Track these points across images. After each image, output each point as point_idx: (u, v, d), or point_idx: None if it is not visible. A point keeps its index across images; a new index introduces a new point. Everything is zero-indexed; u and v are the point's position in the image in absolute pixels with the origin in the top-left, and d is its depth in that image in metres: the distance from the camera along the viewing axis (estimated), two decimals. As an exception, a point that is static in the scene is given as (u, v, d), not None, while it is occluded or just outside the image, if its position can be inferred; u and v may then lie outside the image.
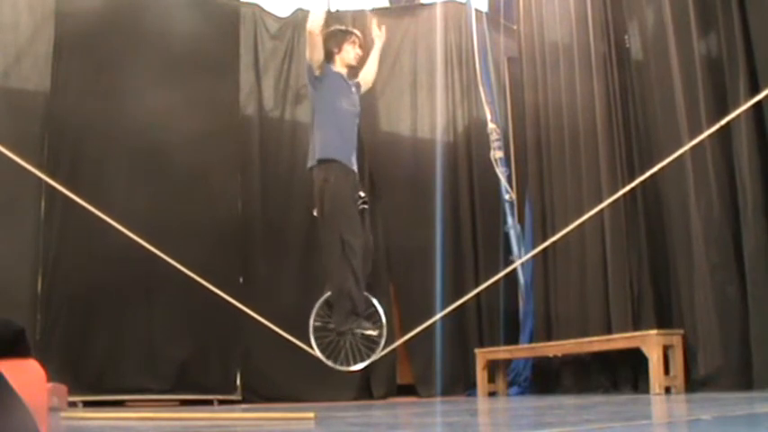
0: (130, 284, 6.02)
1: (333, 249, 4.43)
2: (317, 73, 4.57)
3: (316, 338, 4.54)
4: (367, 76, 5.04)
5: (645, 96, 5.93)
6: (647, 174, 4.36)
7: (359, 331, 4.43)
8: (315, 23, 4.45)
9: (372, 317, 4.58)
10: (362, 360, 4.60)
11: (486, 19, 7.75)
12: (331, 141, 4.53)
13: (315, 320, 4.58)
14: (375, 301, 4.71)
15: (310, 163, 4.58)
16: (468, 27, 7.71)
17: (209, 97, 6.65)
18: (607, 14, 6.33)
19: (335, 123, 4.57)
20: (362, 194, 4.64)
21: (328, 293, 4.60)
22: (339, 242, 4.40)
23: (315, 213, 4.61)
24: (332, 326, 4.50)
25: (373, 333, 4.48)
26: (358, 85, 4.91)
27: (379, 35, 5.09)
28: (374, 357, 4.61)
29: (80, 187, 5.60)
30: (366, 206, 4.67)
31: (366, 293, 4.58)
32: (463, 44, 7.82)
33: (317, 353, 4.49)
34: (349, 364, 4.60)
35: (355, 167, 4.63)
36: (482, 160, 7.43)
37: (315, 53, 4.51)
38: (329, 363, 4.52)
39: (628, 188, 4.79)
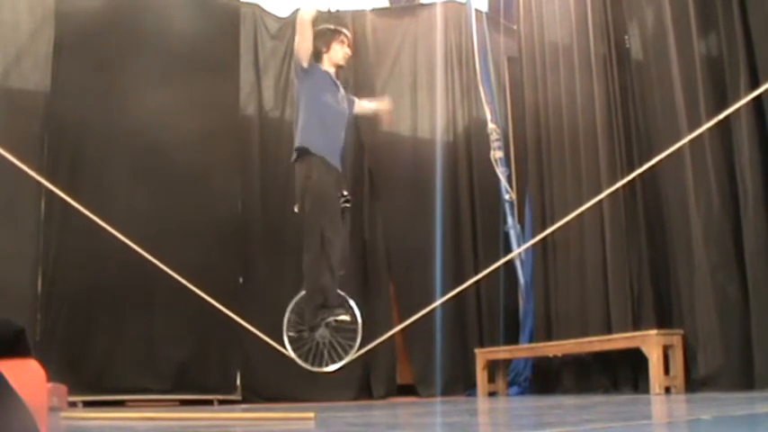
0: (130, 284, 6.01)
1: (312, 245, 4.41)
2: (304, 65, 4.52)
3: (295, 348, 4.52)
4: (361, 106, 5.10)
5: (645, 96, 5.93)
6: (645, 166, 4.35)
7: (331, 319, 4.40)
8: (307, 12, 4.42)
9: (343, 306, 4.56)
10: (346, 355, 4.58)
11: (486, 19, 7.76)
12: (312, 131, 4.49)
13: (288, 331, 4.57)
14: (345, 295, 4.69)
15: (293, 156, 4.57)
16: (468, 27, 7.71)
17: (209, 97, 6.65)
18: (607, 15, 6.33)
19: (319, 116, 4.54)
20: (345, 193, 4.62)
21: (296, 299, 4.59)
22: (319, 238, 4.38)
23: (296, 210, 4.59)
24: (305, 332, 4.47)
25: (346, 318, 4.45)
26: (351, 101, 4.90)
27: (386, 111, 5.18)
28: (353, 354, 4.58)
29: (80, 187, 5.62)
30: (348, 205, 4.65)
31: (340, 292, 4.56)
32: (463, 44, 7.83)
33: (296, 359, 4.47)
34: (334, 363, 4.58)
35: (339, 166, 4.60)
36: (482, 160, 7.44)
37: (304, 42, 4.44)
38: (311, 368, 4.49)
39: (626, 179, 4.78)
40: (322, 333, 4.42)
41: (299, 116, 4.66)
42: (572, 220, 4.90)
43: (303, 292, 4.52)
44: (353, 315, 4.55)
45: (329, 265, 4.37)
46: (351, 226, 5.24)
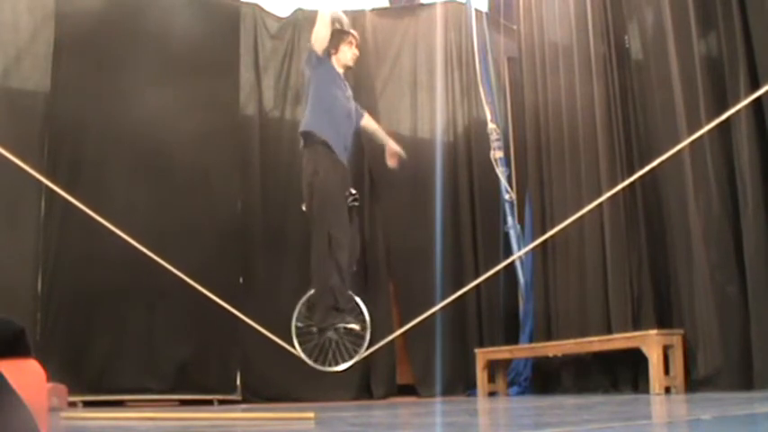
0: (131, 284, 6.01)
1: (320, 244, 4.41)
2: (319, 52, 4.55)
3: (301, 342, 4.52)
4: (370, 124, 5.17)
5: (645, 96, 5.93)
6: (646, 168, 4.36)
7: (341, 326, 4.41)
8: (330, 13, 4.49)
9: (354, 311, 4.57)
10: (350, 358, 4.58)
11: (486, 19, 7.75)
12: (318, 118, 4.50)
13: (297, 321, 4.57)
14: (357, 299, 4.70)
15: (300, 143, 4.57)
16: (468, 27, 7.71)
17: (209, 97, 6.65)
18: (607, 15, 6.33)
19: (327, 106, 4.54)
20: (353, 191, 4.62)
21: (309, 294, 4.59)
22: (326, 237, 4.37)
23: (304, 208, 4.58)
24: (314, 328, 4.48)
25: (356, 327, 4.45)
26: (359, 113, 4.93)
27: (394, 153, 5.17)
28: (359, 357, 4.59)
29: (80, 187, 5.62)
30: (356, 203, 4.64)
31: (350, 292, 4.56)
32: (463, 44, 7.82)
33: (301, 354, 4.47)
34: (337, 364, 4.59)
35: (345, 161, 4.60)
36: (482, 160, 7.43)
37: (323, 28, 4.49)
38: (314, 364, 4.50)
39: (627, 182, 4.79)
40: (330, 335, 4.43)
41: (308, 104, 4.66)
42: (572, 220, 4.90)
43: (313, 291, 4.51)
44: (364, 324, 4.55)
45: (337, 265, 4.36)
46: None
